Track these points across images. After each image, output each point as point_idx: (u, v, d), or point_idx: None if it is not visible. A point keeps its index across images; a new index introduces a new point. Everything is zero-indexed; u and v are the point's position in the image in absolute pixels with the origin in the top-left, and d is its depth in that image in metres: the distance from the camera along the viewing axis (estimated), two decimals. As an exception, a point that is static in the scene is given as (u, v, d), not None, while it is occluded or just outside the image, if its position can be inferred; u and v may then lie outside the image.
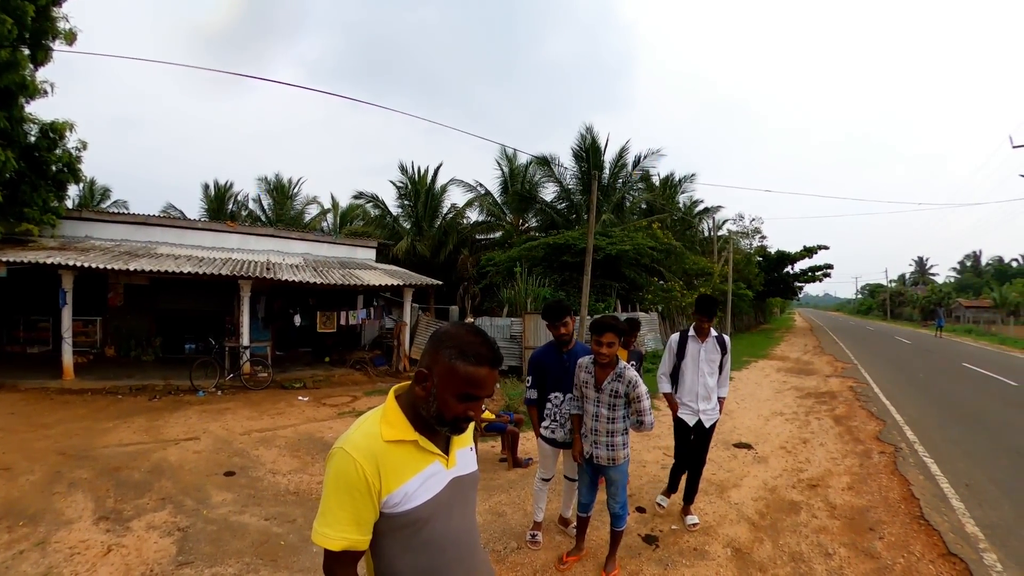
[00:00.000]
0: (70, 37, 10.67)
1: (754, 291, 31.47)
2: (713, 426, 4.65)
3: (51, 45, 10.62)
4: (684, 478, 4.85)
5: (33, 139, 10.89)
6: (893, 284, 76.36)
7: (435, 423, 1.39)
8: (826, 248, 35.93)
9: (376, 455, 1.31)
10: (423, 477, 1.38)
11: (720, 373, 4.59)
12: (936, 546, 4.23)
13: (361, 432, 1.35)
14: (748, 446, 7.07)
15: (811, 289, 56.25)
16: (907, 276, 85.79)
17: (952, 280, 76.20)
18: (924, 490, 5.46)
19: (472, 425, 1.52)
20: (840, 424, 8.42)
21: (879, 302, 73.61)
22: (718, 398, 4.61)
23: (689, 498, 4.72)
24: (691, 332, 4.62)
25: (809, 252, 35.99)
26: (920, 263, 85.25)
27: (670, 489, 4.98)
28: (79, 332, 11.95)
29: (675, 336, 4.73)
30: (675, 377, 4.69)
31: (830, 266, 38.66)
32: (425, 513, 1.37)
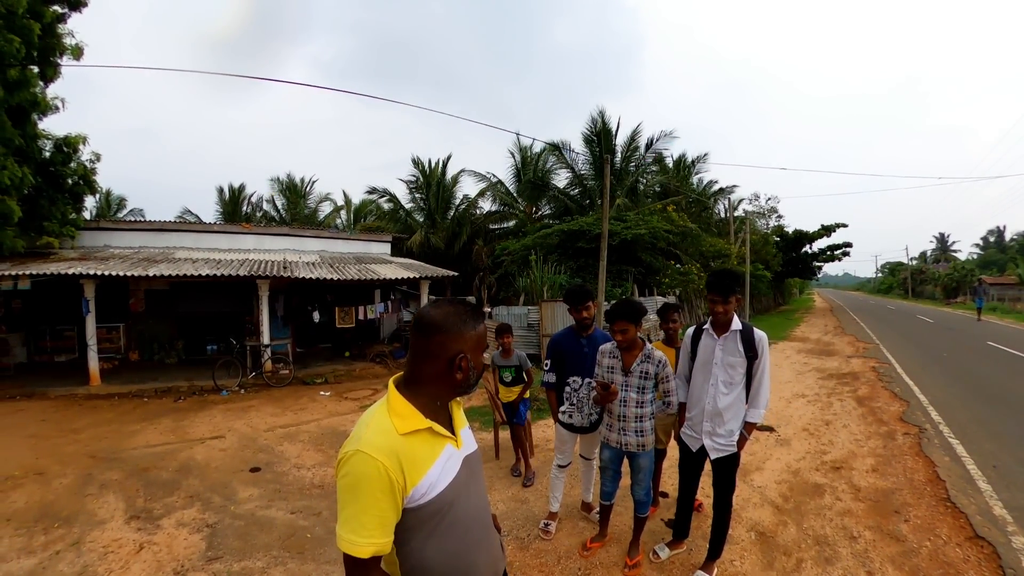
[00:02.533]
0: (77, 52, 10.81)
1: (772, 272, 31.10)
2: (728, 460, 3.39)
3: (59, 61, 10.77)
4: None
5: (48, 154, 11.10)
6: (914, 262, 74.93)
7: (468, 391, 1.48)
8: (844, 226, 35.44)
9: (396, 451, 1.30)
10: (442, 462, 1.39)
11: (748, 386, 3.30)
12: (963, 529, 4.17)
13: (374, 430, 1.33)
14: (770, 429, 7.02)
15: (830, 269, 55.62)
16: (928, 253, 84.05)
17: (975, 256, 74.56)
18: (950, 472, 5.39)
19: (460, 408, 1.59)
20: (863, 405, 8.33)
21: (900, 280, 72.34)
22: (745, 423, 3.37)
23: (713, 551, 3.52)
24: (707, 325, 3.43)
25: (827, 231, 35.48)
26: (941, 239, 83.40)
27: (677, 534, 3.81)
28: (103, 339, 12.19)
29: (690, 330, 3.59)
30: None
31: (849, 244, 38.05)
32: (450, 497, 1.38)
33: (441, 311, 1.43)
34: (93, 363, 10.32)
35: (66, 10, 10.76)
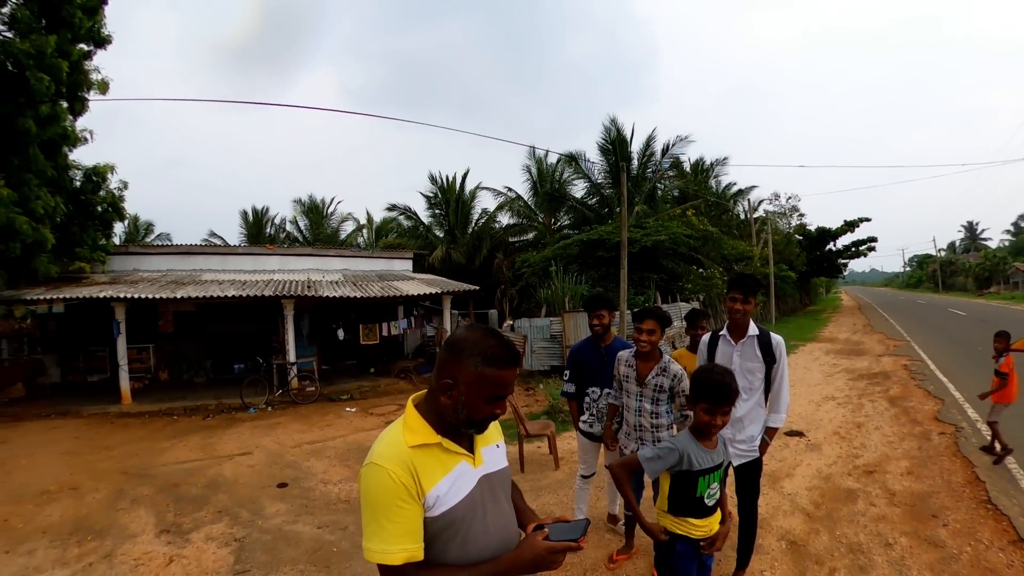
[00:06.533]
0: (103, 87, 11.35)
1: (797, 272, 30.57)
2: (751, 466, 3.32)
3: (86, 96, 11.30)
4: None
5: (78, 184, 11.75)
6: (943, 253, 72.53)
7: (463, 427, 1.40)
8: (868, 220, 34.76)
9: (405, 460, 1.31)
10: (452, 478, 1.37)
11: (767, 391, 3.25)
12: (1006, 532, 4.00)
13: (385, 443, 1.36)
14: (800, 433, 6.87)
15: (856, 265, 54.41)
16: (957, 243, 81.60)
17: (1007, 243, 71.69)
18: (990, 472, 5.20)
19: (496, 423, 1.53)
20: (895, 406, 8.11)
21: (929, 273, 70.24)
22: (767, 428, 3.30)
23: (741, 561, 3.48)
24: (724, 331, 3.35)
25: (851, 226, 34.84)
26: (970, 228, 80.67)
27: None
28: (134, 359, 12.47)
29: (706, 337, 3.51)
30: None
31: (874, 239, 37.32)
32: (460, 513, 1.36)
33: (463, 334, 1.40)
34: (124, 383, 10.60)
35: (92, 48, 11.27)
